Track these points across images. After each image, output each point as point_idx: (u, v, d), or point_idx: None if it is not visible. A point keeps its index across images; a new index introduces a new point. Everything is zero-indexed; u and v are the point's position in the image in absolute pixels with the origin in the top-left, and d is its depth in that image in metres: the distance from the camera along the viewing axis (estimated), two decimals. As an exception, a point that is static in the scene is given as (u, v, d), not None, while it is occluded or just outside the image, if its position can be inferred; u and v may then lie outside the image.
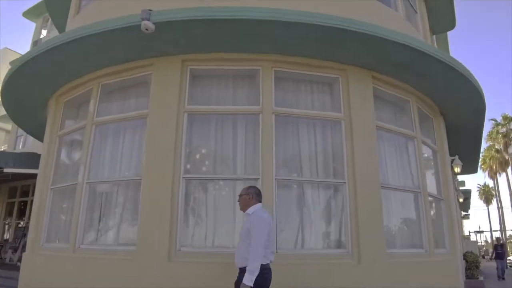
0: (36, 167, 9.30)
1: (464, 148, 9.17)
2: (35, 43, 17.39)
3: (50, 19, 17.49)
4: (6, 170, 9.19)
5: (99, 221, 5.25)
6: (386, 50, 5.00)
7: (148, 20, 4.30)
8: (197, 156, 5.05)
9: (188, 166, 4.85)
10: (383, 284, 4.58)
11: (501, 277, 13.08)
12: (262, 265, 3.27)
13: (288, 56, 5.08)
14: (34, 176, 12.29)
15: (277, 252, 4.41)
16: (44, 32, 17.84)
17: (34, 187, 14.63)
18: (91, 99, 5.63)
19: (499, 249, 13.74)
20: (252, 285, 3.17)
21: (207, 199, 4.95)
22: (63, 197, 6.02)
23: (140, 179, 4.84)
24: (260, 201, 3.67)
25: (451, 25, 9.23)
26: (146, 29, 4.35)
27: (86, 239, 5.10)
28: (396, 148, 5.79)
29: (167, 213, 4.46)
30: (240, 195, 3.75)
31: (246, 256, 3.31)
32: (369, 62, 5.27)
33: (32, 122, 8.02)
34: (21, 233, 12.34)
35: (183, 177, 4.67)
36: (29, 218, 14.60)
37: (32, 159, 9.74)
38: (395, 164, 5.70)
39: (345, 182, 4.90)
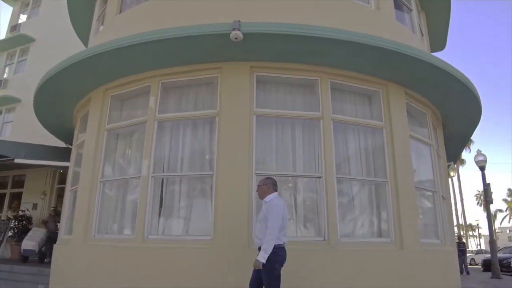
0: (46, 158, 9.26)
1: (449, 155, 10.54)
2: (13, 28, 16.61)
3: (30, 4, 16.82)
4: (17, 160, 9.02)
5: (163, 212, 5.65)
6: (421, 70, 5.90)
7: (239, 30, 4.83)
8: (263, 154, 5.62)
9: (257, 163, 5.42)
10: (420, 267, 5.49)
11: (465, 271, 14.79)
12: (275, 245, 3.81)
13: (341, 70, 5.83)
14: (14, 167, 11.89)
15: (339, 240, 5.16)
16: (23, 17, 17.06)
17: (13, 178, 14.14)
18: (150, 95, 5.97)
19: (461, 246, 15.54)
20: (264, 262, 3.75)
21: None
22: (114, 189, 6.31)
23: (211, 174, 5.35)
24: (276, 191, 4.20)
25: (442, 46, 10.54)
26: (236, 38, 4.88)
27: (154, 230, 5.47)
28: (417, 153, 6.76)
29: (245, 205, 5.01)
30: (259, 186, 4.28)
31: (262, 237, 3.89)
32: (404, 79, 6.17)
33: (55, 116, 8.07)
34: (5, 226, 11.90)
35: (255, 173, 5.24)
36: (7, 211, 14.05)
37: (43, 150, 9.65)
38: (417, 167, 6.67)
39: (387, 181, 5.75)
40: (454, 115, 7.63)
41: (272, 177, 4.41)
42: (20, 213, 11.95)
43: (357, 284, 4.97)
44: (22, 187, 13.85)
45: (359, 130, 6.05)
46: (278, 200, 4.09)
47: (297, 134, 5.76)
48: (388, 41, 5.33)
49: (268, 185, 4.18)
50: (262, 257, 3.76)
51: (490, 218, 14.20)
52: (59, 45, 13.50)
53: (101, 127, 6.42)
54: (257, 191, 4.32)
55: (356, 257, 5.13)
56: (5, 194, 14.48)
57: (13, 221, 11.79)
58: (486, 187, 14.09)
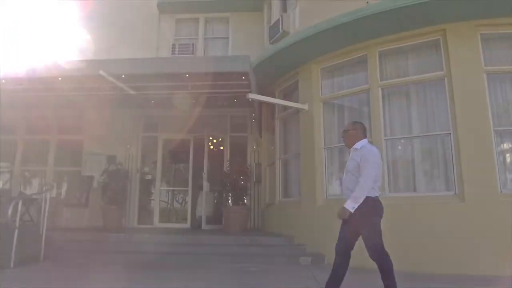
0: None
1: None
2: None
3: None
4: (251, 95, 7.45)
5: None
6: None
7: None
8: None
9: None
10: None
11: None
12: (371, 197, 3.54)
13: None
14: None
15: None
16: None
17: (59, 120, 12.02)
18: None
19: None
20: (352, 211, 3.48)
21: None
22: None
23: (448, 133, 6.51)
24: (366, 137, 3.88)
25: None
26: None
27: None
28: None
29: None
30: (347, 130, 3.94)
31: (352, 188, 3.60)
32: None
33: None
34: (87, 185, 10.90)
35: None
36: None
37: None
38: None
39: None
40: None
41: (361, 122, 4.17)
42: (111, 167, 10.36)
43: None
44: (77, 133, 11.56)
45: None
46: (372, 147, 3.81)
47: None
48: None
49: (358, 129, 3.89)
50: (350, 206, 3.47)
51: None
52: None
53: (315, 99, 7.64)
54: (342, 137, 4.05)
55: (494, 208, 6.01)
56: (48, 141, 11.81)
57: (103, 178, 10.36)
58: None
